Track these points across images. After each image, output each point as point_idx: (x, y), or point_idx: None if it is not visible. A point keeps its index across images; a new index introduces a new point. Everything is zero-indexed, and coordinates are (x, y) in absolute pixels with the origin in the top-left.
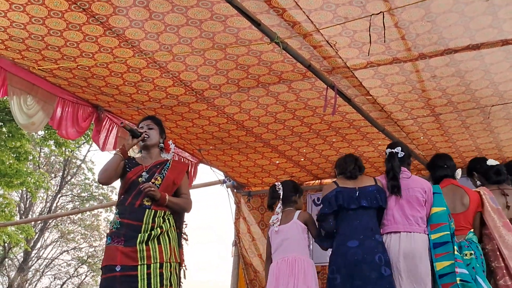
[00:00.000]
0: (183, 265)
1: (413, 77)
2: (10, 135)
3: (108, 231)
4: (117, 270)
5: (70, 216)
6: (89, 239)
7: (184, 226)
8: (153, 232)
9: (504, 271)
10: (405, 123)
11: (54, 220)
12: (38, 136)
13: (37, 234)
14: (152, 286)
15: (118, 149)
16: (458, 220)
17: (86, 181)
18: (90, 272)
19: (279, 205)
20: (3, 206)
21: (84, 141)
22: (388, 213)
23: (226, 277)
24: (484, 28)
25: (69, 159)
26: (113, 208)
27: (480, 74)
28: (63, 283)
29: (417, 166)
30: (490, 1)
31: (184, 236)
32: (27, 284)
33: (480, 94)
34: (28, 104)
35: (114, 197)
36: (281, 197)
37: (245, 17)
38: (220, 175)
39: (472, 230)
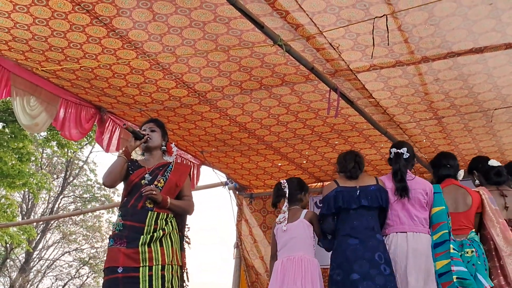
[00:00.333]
0: (185, 268)
1: (416, 80)
2: (13, 136)
3: (111, 233)
4: (119, 271)
5: (72, 217)
6: (91, 240)
7: (186, 229)
8: (155, 234)
9: (499, 271)
10: (407, 126)
11: (56, 221)
12: (41, 137)
13: (39, 235)
14: None
15: (121, 151)
16: (459, 219)
17: (88, 182)
18: (92, 274)
19: (285, 203)
20: (5, 206)
21: (87, 142)
22: (393, 213)
23: (228, 279)
24: (487, 31)
25: (72, 160)
26: (115, 209)
27: (483, 78)
28: (65, 284)
29: (419, 169)
30: (493, 5)
31: (187, 239)
32: (28, 285)
33: (483, 98)
34: (31, 105)
35: (116, 199)
36: (286, 195)
37: (249, 19)
38: (223, 177)
39: (473, 230)
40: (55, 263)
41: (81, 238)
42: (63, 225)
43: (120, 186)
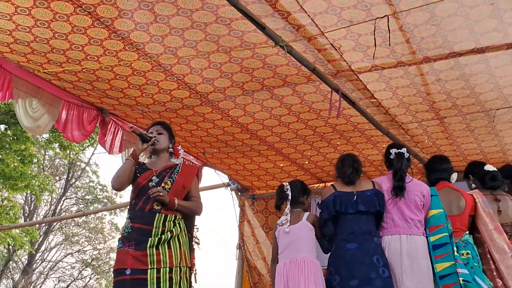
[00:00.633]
0: (194, 269)
1: (417, 81)
2: (15, 138)
3: (120, 236)
4: (127, 273)
5: (75, 218)
6: (93, 242)
7: (195, 230)
8: (163, 236)
9: (494, 273)
10: (409, 126)
11: (59, 223)
12: (43, 139)
13: (42, 237)
14: None
15: (129, 155)
16: (454, 222)
17: (91, 184)
18: (94, 275)
19: (288, 206)
20: (7, 208)
21: (89, 144)
22: (388, 216)
23: (230, 280)
24: (489, 31)
25: (74, 162)
26: (118, 211)
27: (485, 78)
28: (67, 286)
29: (422, 169)
30: (495, 5)
31: (196, 240)
32: (31, 287)
33: (484, 98)
34: (33, 107)
35: (119, 200)
36: (289, 197)
37: (250, 21)
38: (225, 178)
39: (467, 232)
40: (57, 264)
41: (84, 240)
42: (65, 227)
43: (127, 189)
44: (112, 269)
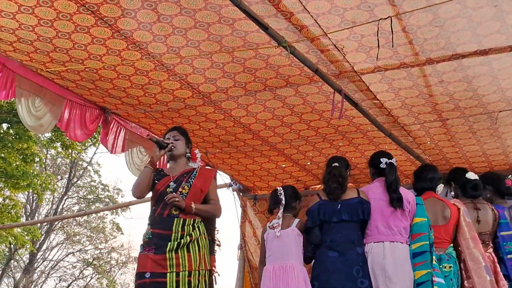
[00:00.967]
0: (214, 271)
1: (420, 82)
2: (17, 136)
3: (142, 242)
4: (147, 276)
5: (76, 218)
6: (94, 241)
7: (216, 232)
8: (182, 240)
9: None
10: (412, 128)
11: (60, 222)
12: (45, 138)
13: (43, 236)
14: None
15: (147, 162)
16: (439, 233)
17: (92, 183)
18: (96, 274)
19: (281, 210)
20: (9, 207)
21: (91, 143)
22: (372, 223)
23: (231, 280)
24: (492, 33)
25: (76, 161)
26: (119, 210)
27: (488, 80)
28: (69, 285)
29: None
30: (498, 7)
31: (217, 242)
32: (32, 286)
33: (487, 100)
34: (36, 106)
35: (120, 200)
36: (283, 202)
37: (253, 21)
38: (227, 179)
39: (452, 244)
40: (59, 264)
41: (85, 239)
42: (67, 226)
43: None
44: (113, 269)
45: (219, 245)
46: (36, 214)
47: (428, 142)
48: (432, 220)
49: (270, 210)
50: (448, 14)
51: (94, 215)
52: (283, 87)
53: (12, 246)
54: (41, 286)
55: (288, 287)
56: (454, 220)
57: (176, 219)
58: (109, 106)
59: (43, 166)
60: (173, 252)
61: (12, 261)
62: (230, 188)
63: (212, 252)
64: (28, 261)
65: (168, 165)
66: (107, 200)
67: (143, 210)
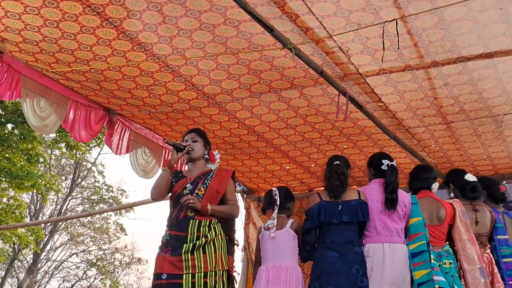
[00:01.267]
0: (234, 271)
1: (425, 85)
2: (22, 137)
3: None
4: (163, 278)
5: (80, 218)
6: (98, 242)
7: (234, 232)
8: (198, 241)
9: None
10: (416, 131)
11: (64, 223)
12: (50, 139)
13: (47, 236)
14: None
15: (165, 165)
16: (435, 232)
17: (96, 184)
18: (99, 275)
19: (276, 210)
20: (13, 207)
21: (95, 144)
22: (371, 224)
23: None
24: (497, 36)
25: (80, 161)
26: (123, 211)
27: (493, 83)
28: (72, 286)
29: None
30: (504, 10)
31: (236, 242)
32: (36, 286)
33: (492, 103)
34: (41, 107)
35: (124, 201)
36: (278, 202)
37: (258, 23)
38: None
39: (447, 242)
40: (62, 264)
41: (89, 240)
42: (71, 227)
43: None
44: (116, 270)
45: (237, 245)
46: (40, 215)
47: (433, 145)
48: (427, 220)
49: (264, 210)
50: (453, 17)
51: (98, 215)
52: (288, 89)
53: (16, 246)
54: (45, 286)
55: (282, 287)
56: (449, 219)
57: (191, 220)
58: (114, 107)
59: (48, 166)
60: (189, 253)
61: (16, 261)
62: None
63: (230, 252)
64: (32, 261)
65: (186, 167)
66: (111, 201)
67: (147, 211)
